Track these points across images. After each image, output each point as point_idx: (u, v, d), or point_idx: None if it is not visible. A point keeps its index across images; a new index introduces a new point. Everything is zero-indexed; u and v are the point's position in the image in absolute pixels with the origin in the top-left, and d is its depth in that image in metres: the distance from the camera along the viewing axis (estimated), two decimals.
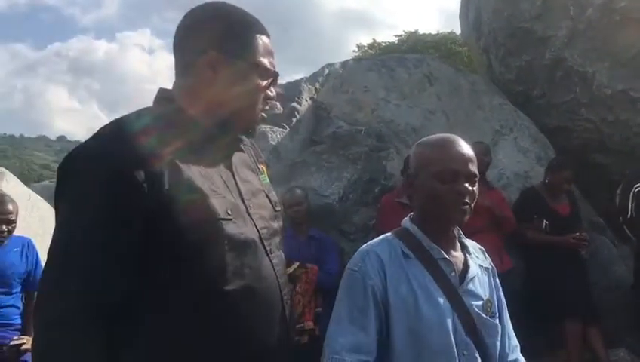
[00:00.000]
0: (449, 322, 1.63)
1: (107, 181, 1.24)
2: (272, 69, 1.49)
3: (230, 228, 1.35)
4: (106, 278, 1.25)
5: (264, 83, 1.47)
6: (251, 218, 1.44)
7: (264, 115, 1.51)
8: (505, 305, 1.84)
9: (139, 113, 1.43)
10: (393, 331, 1.63)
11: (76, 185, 1.28)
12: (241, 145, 1.57)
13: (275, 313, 1.44)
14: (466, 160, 1.71)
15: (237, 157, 1.53)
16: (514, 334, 1.85)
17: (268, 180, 1.64)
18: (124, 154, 1.26)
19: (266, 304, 1.41)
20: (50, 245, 1.28)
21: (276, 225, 1.54)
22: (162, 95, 1.48)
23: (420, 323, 1.62)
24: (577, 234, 4.64)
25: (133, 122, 1.38)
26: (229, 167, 1.48)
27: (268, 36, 1.51)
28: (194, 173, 1.34)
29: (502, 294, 1.84)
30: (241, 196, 1.45)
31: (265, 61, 1.47)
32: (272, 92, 1.51)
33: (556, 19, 5.80)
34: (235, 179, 1.47)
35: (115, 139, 1.31)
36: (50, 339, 1.23)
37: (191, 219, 1.29)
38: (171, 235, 1.27)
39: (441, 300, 1.65)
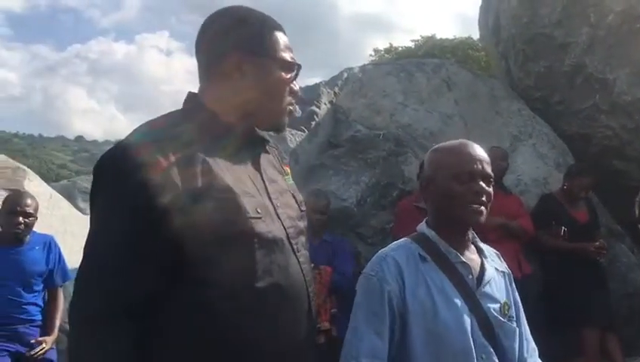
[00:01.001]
0: (467, 324, 1.64)
1: (139, 182, 1.28)
2: (294, 62, 1.54)
3: (260, 226, 1.38)
4: (137, 277, 1.28)
5: (288, 76, 1.52)
6: (279, 217, 1.47)
7: (291, 108, 1.56)
8: (522, 309, 1.85)
9: (169, 115, 1.48)
10: (411, 334, 1.64)
11: (110, 185, 1.33)
12: (267, 147, 1.60)
13: (303, 309, 1.47)
14: (481, 161, 1.74)
15: (264, 158, 1.56)
16: (531, 338, 1.85)
17: (292, 181, 1.67)
18: (157, 153, 1.31)
19: (294, 301, 1.44)
20: (85, 244, 1.33)
21: (302, 224, 1.57)
22: (191, 98, 1.52)
23: (438, 326, 1.63)
24: (597, 243, 4.62)
25: (164, 123, 1.43)
26: (257, 167, 1.51)
27: (284, 32, 1.56)
28: (224, 172, 1.38)
29: (518, 298, 1.85)
30: (268, 195, 1.48)
31: (286, 55, 1.52)
32: (295, 85, 1.56)
33: (576, 26, 5.77)
34: (262, 179, 1.50)
35: (147, 140, 1.35)
36: (83, 335, 1.28)
37: (222, 217, 1.32)
38: (203, 232, 1.30)
39: (459, 303, 1.66)
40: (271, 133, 1.65)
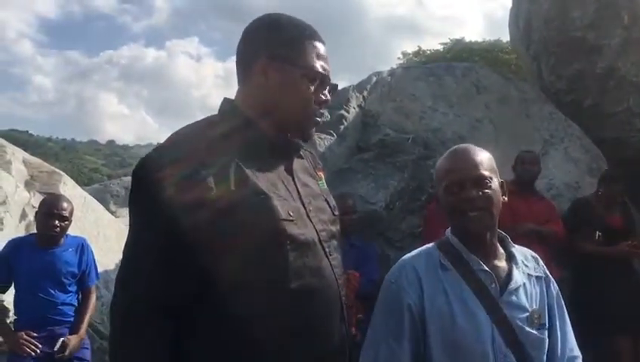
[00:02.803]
0: (486, 334, 1.63)
1: (175, 187, 1.31)
2: (323, 72, 1.53)
3: (292, 229, 1.40)
4: (173, 280, 1.33)
5: (314, 86, 1.51)
6: (311, 220, 1.48)
7: (318, 119, 1.56)
8: (562, 314, 1.81)
9: (206, 120, 1.53)
10: (430, 343, 1.64)
11: (146, 191, 1.37)
12: (301, 152, 1.62)
13: (335, 312, 1.48)
14: (469, 166, 1.71)
15: (297, 163, 1.58)
16: (574, 345, 1.81)
17: (326, 186, 1.68)
18: (192, 155, 1.35)
19: (327, 303, 1.46)
20: (124, 247, 1.38)
21: (334, 228, 1.58)
22: (226, 103, 1.56)
23: (456, 335, 1.62)
24: (630, 241, 4.53)
25: (201, 128, 1.47)
26: (290, 172, 1.53)
27: (321, 42, 1.55)
28: (257, 175, 1.40)
29: (559, 302, 1.81)
30: (301, 199, 1.50)
31: (315, 65, 1.51)
32: (325, 96, 1.54)
33: (609, 28, 5.68)
34: (295, 183, 1.52)
35: (183, 143, 1.40)
36: (121, 334, 1.34)
37: (256, 220, 1.35)
38: (237, 235, 1.33)
39: (479, 312, 1.64)
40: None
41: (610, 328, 4.38)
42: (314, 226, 1.48)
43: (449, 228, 1.81)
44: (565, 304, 1.85)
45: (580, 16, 5.86)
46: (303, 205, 1.49)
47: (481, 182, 1.69)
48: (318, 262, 1.45)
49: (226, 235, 1.32)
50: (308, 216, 1.48)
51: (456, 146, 1.82)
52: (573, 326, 1.83)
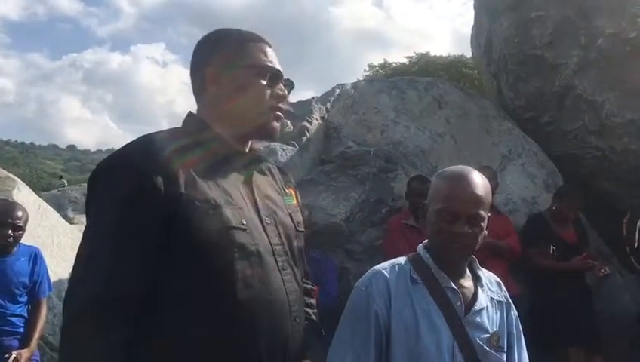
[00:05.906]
0: (447, 350, 1.65)
1: (126, 186, 1.34)
2: (272, 66, 1.56)
3: (242, 237, 1.41)
4: (125, 280, 1.32)
5: (265, 81, 1.54)
6: (266, 233, 1.49)
7: (280, 113, 1.58)
8: (519, 339, 1.84)
9: (169, 130, 1.55)
10: (393, 353, 1.66)
11: (100, 190, 1.39)
12: (266, 168, 1.65)
13: (282, 327, 1.46)
14: (470, 200, 1.71)
15: (260, 177, 1.60)
16: None
17: (293, 202, 1.70)
18: (144, 161, 1.37)
19: (273, 316, 1.44)
20: (80, 245, 1.38)
21: (294, 244, 1.59)
22: (189, 115, 1.59)
23: (419, 348, 1.64)
24: (582, 255, 4.66)
25: (156, 136, 1.49)
26: (249, 184, 1.54)
27: (268, 45, 1.60)
28: (210, 183, 1.42)
29: (517, 327, 1.84)
30: (258, 211, 1.50)
31: (260, 61, 1.56)
32: (281, 90, 1.58)
33: (567, 48, 5.83)
34: (254, 195, 1.53)
35: (137, 149, 1.42)
36: (72, 334, 1.32)
37: (203, 225, 1.36)
38: (185, 238, 1.35)
39: (443, 328, 1.66)
40: (265, 143, 1.67)
41: (563, 340, 4.47)
42: (268, 239, 1.49)
43: (421, 244, 1.83)
44: (520, 317, 1.88)
45: (538, 35, 6.00)
46: (260, 217, 1.50)
47: (475, 220, 1.71)
48: (269, 275, 1.45)
49: (175, 240, 1.35)
50: (264, 229, 1.49)
51: (462, 170, 1.79)
52: (528, 339, 1.87)
